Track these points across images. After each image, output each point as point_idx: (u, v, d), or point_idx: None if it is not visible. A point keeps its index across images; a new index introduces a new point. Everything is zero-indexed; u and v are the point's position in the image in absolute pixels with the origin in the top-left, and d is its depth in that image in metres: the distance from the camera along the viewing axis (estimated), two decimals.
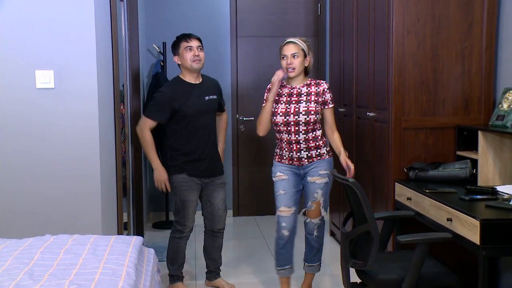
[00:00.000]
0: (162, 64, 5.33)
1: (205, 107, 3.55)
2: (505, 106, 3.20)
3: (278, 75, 3.35)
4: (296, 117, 3.32)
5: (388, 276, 2.69)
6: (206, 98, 3.56)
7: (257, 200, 5.81)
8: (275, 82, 3.35)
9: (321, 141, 3.40)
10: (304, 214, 3.47)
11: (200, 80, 3.60)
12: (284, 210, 3.40)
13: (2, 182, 3.08)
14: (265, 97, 3.44)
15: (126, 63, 4.23)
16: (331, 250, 4.64)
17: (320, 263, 3.57)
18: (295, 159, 3.39)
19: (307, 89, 3.39)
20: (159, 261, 2.87)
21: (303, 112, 3.31)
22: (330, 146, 3.49)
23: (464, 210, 2.59)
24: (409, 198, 3.22)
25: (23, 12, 3.02)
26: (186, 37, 3.53)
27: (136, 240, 2.59)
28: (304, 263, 3.57)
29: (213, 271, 3.82)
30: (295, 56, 3.33)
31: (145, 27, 5.44)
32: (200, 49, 3.53)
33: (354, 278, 2.83)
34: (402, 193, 3.32)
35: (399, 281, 2.62)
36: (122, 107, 4.08)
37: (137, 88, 4.63)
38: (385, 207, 3.58)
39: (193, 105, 3.50)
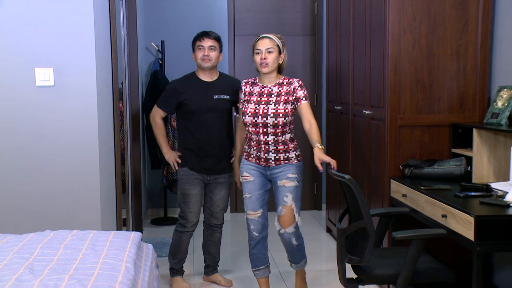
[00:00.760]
0: (160, 62, 5.35)
1: (211, 105, 3.56)
2: (499, 104, 3.23)
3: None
4: (264, 119, 3.24)
5: (384, 272, 2.71)
6: (215, 97, 3.57)
7: None
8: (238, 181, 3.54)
9: (292, 145, 3.32)
10: (278, 221, 3.34)
11: (215, 78, 3.62)
12: (251, 213, 3.38)
13: (2, 179, 3.10)
14: (240, 97, 3.43)
15: (125, 61, 4.25)
16: (327, 246, 4.67)
17: (305, 258, 3.50)
18: (262, 160, 3.33)
19: (278, 89, 3.29)
20: (158, 256, 2.88)
21: (271, 115, 3.22)
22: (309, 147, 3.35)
23: (459, 207, 2.61)
24: (404, 195, 3.24)
25: (23, 10, 3.04)
26: (200, 36, 3.56)
27: (135, 235, 2.61)
28: (291, 263, 3.51)
29: (210, 266, 3.85)
30: (270, 52, 3.24)
31: (143, 26, 5.46)
32: (213, 48, 3.54)
33: (350, 273, 2.85)
34: (398, 190, 3.35)
35: (394, 276, 2.64)
36: (121, 104, 4.11)
37: (135, 86, 4.65)
38: (381, 204, 3.60)
39: (197, 101, 3.53)
